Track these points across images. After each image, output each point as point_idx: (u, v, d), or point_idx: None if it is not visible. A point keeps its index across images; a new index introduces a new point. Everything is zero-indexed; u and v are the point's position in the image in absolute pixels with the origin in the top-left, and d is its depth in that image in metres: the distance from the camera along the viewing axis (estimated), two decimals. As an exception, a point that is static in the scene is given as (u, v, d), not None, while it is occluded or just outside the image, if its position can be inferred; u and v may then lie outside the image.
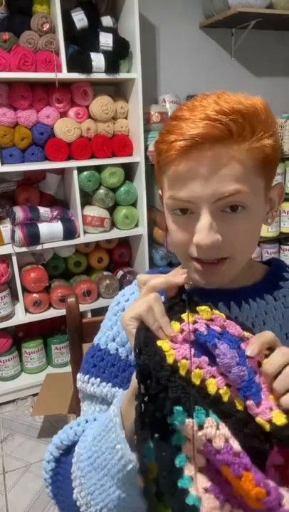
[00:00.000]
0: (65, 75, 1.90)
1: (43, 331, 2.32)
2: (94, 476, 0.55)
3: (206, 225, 0.54)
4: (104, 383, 0.66)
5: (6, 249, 1.98)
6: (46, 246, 2.04)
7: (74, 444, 0.62)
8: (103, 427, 0.55)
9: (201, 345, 0.47)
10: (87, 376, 0.68)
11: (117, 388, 0.66)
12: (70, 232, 2.07)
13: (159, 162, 0.59)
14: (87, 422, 0.64)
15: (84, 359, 0.72)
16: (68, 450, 0.62)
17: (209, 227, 0.54)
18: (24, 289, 2.11)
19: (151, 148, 2.13)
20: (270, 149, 0.55)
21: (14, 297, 2.15)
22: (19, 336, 2.28)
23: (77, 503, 0.57)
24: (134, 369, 0.64)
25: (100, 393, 0.67)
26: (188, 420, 0.42)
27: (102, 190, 2.17)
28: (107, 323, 0.72)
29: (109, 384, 0.66)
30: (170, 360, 0.45)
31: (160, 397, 0.44)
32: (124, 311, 0.68)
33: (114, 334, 0.69)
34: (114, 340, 0.69)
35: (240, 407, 0.44)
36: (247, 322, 0.63)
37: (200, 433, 0.41)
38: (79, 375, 0.71)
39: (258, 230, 0.60)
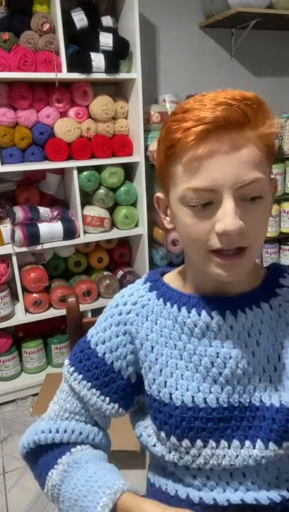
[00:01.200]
0: (65, 75, 1.90)
1: (43, 331, 2.32)
2: None
3: (233, 210, 0.52)
4: (84, 382, 0.68)
5: (6, 249, 1.98)
6: (46, 246, 2.04)
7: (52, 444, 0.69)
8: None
9: None
10: (72, 369, 0.70)
11: (95, 390, 0.68)
12: (70, 232, 2.07)
13: (170, 155, 0.56)
14: (74, 432, 0.69)
15: (74, 348, 0.73)
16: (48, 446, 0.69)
17: (235, 212, 0.52)
18: (24, 289, 2.11)
19: (151, 148, 2.13)
20: (274, 137, 0.57)
21: (14, 297, 2.15)
22: (19, 336, 2.28)
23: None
24: (115, 375, 0.68)
25: (79, 391, 0.69)
26: None
27: (102, 190, 2.17)
28: (102, 322, 0.71)
29: (89, 384, 0.68)
30: None
31: None
32: (120, 315, 0.69)
33: (105, 337, 0.69)
34: (104, 343, 0.69)
35: None
36: (243, 331, 0.62)
37: None
38: (67, 362, 0.73)
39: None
